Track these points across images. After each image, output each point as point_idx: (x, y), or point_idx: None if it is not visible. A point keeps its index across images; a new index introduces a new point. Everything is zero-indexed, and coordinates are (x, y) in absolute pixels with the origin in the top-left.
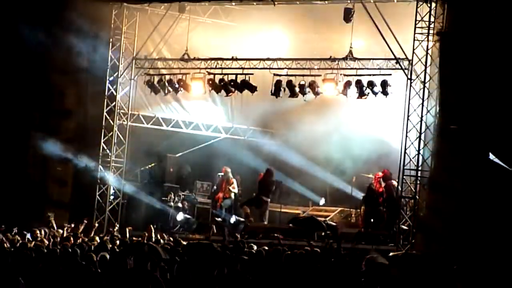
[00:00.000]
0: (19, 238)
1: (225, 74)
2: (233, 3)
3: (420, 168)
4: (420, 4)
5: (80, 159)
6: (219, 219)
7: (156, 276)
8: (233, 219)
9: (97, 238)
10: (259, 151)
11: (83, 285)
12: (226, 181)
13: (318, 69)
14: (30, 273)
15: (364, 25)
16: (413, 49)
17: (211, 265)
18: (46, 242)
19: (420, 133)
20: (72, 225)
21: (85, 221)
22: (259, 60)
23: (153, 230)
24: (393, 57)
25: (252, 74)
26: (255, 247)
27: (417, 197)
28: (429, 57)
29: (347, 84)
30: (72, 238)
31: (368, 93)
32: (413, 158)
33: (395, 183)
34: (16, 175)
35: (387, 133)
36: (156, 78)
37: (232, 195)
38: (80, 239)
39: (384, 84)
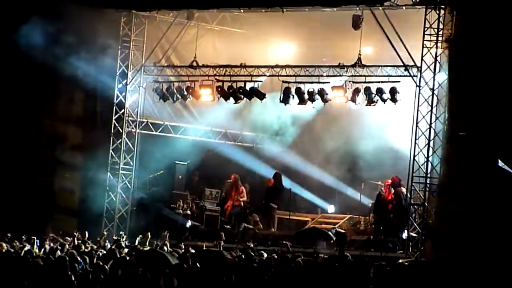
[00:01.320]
0: (27, 246)
1: (233, 81)
2: (242, 10)
3: (429, 175)
4: (428, 11)
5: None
6: (228, 226)
7: (159, 284)
8: (242, 226)
9: (107, 245)
10: (268, 158)
11: None
12: (235, 189)
13: (327, 76)
14: (38, 281)
15: (373, 32)
16: (422, 56)
17: (220, 272)
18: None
19: (429, 140)
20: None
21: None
22: (268, 67)
23: (167, 238)
24: (402, 64)
25: (260, 81)
26: (265, 255)
27: (426, 204)
28: (437, 64)
29: (356, 91)
30: (82, 246)
31: (377, 100)
32: (422, 165)
33: (404, 190)
34: (24, 182)
35: (396, 140)
36: (165, 86)
37: (242, 203)
38: (89, 247)
39: (393, 91)
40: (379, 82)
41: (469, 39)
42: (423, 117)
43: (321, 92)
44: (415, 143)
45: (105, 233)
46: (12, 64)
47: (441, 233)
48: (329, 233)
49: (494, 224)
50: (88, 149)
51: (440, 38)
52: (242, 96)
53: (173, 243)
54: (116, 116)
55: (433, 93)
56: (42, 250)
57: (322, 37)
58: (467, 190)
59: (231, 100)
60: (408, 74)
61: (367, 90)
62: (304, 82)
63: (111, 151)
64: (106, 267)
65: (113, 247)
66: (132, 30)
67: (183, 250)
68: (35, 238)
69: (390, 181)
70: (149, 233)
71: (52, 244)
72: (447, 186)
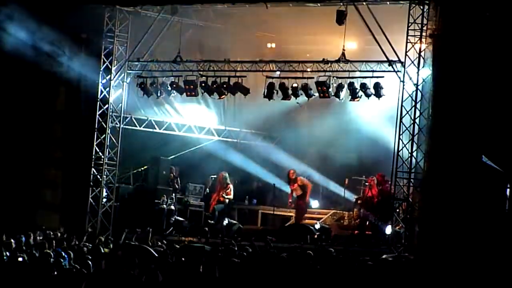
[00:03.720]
0: (13, 242)
1: (217, 76)
2: (225, 5)
3: (413, 171)
4: (412, 6)
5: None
6: (212, 221)
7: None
8: (225, 221)
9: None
10: (252, 154)
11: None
12: (222, 186)
13: (311, 71)
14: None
15: (356, 28)
16: (406, 51)
17: (203, 267)
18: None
19: (413, 135)
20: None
21: None
22: (252, 63)
23: (150, 233)
24: (386, 59)
25: (245, 76)
26: (248, 250)
27: (410, 199)
28: (421, 59)
29: (340, 86)
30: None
31: (361, 95)
32: (406, 160)
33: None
34: (7, 178)
35: (379, 135)
36: (149, 81)
37: (227, 201)
38: (74, 242)
39: (377, 86)
40: (363, 77)
41: (453, 34)
42: (407, 112)
43: (305, 87)
44: (399, 138)
45: (89, 229)
46: None
47: (424, 228)
48: (313, 228)
49: (478, 220)
50: (71, 144)
51: (424, 34)
52: (226, 92)
53: (156, 238)
54: (100, 111)
55: (417, 89)
56: (26, 246)
57: (306, 32)
58: (451, 186)
59: (215, 95)
60: (392, 70)
61: (351, 85)
62: (288, 78)
63: (95, 146)
64: (91, 263)
65: (97, 242)
66: (116, 25)
67: (166, 245)
68: (19, 235)
69: (373, 177)
70: (150, 229)
71: (37, 239)
72: (431, 181)
